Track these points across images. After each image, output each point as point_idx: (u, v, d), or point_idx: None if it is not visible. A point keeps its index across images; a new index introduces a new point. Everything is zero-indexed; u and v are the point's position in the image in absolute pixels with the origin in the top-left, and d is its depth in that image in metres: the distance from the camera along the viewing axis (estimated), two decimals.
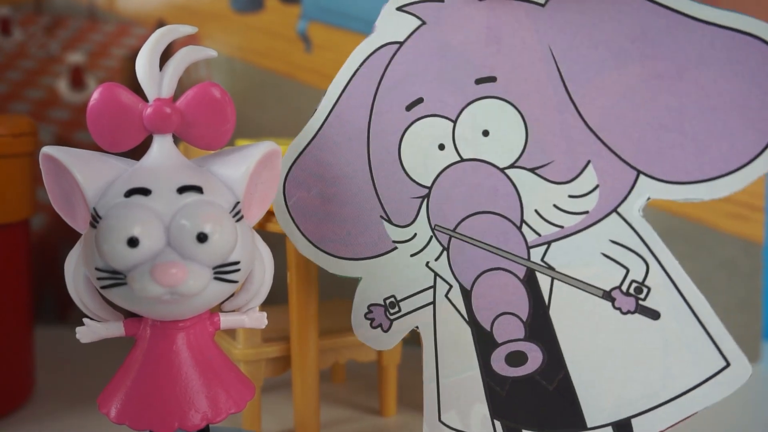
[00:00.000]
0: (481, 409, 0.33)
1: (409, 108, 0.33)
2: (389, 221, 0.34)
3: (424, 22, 0.33)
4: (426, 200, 0.33)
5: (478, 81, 0.32)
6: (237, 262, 0.29)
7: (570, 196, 0.31)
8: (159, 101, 0.30)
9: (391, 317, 0.34)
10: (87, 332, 0.31)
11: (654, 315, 0.30)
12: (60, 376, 0.51)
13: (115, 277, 0.28)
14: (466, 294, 0.33)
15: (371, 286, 0.35)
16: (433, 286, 0.33)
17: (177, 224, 0.28)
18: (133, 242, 0.27)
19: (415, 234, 0.34)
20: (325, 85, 0.57)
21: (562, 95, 0.31)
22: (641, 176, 0.30)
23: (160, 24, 0.60)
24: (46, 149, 0.30)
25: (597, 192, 0.31)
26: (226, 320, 0.32)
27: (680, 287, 0.30)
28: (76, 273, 0.30)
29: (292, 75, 0.55)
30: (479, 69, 0.32)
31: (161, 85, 0.30)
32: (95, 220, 0.29)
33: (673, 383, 0.30)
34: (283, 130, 0.48)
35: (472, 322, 0.33)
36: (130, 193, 0.29)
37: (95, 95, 0.29)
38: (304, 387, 0.39)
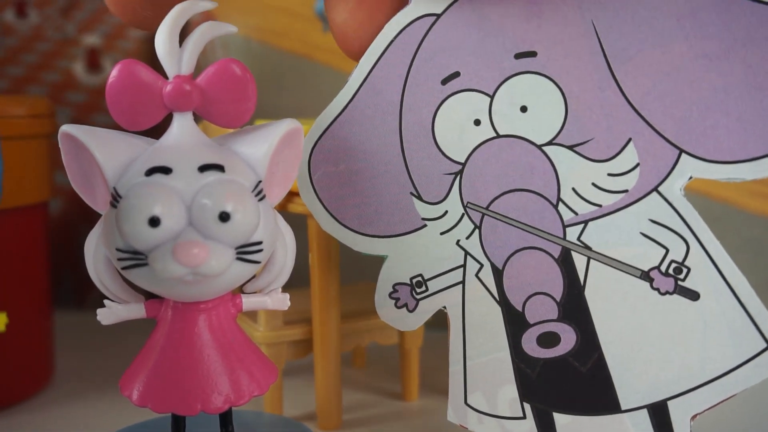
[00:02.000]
0: (510, 391, 0.32)
1: (444, 82, 0.32)
2: (419, 198, 0.33)
3: None
4: (459, 177, 0.32)
5: (518, 56, 0.31)
6: (259, 243, 0.29)
7: (609, 175, 0.31)
8: (179, 78, 0.29)
9: (418, 297, 0.33)
10: (108, 314, 0.31)
11: (693, 296, 0.30)
12: (79, 360, 0.50)
13: (137, 258, 0.28)
14: (498, 273, 0.32)
15: (397, 264, 0.34)
16: (463, 265, 0.33)
17: (198, 203, 0.27)
18: (154, 222, 0.27)
19: (446, 211, 0.33)
20: (342, 65, 0.57)
21: (604, 72, 0.30)
22: (683, 155, 0.30)
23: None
24: (65, 127, 0.29)
25: (637, 170, 0.30)
26: (248, 301, 0.31)
27: (721, 267, 0.30)
28: (96, 254, 0.30)
29: (309, 55, 0.54)
30: (519, 43, 0.31)
31: (181, 61, 0.29)
32: (115, 199, 0.28)
33: (712, 365, 0.30)
34: (300, 111, 0.47)
35: (503, 302, 0.32)
36: (150, 171, 0.28)
37: (114, 72, 0.29)
38: (325, 370, 0.38)
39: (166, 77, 0.29)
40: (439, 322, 0.49)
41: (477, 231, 0.32)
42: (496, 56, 0.32)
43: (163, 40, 0.29)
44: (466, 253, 0.33)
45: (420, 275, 0.33)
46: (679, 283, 0.30)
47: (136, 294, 0.31)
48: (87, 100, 0.62)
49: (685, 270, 0.30)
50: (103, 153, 0.29)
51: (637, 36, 0.30)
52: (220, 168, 0.28)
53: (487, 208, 0.32)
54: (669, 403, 0.30)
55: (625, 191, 0.30)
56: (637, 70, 0.30)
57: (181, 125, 0.30)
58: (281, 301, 0.32)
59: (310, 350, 0.40)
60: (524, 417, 0.32)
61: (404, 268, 0.34)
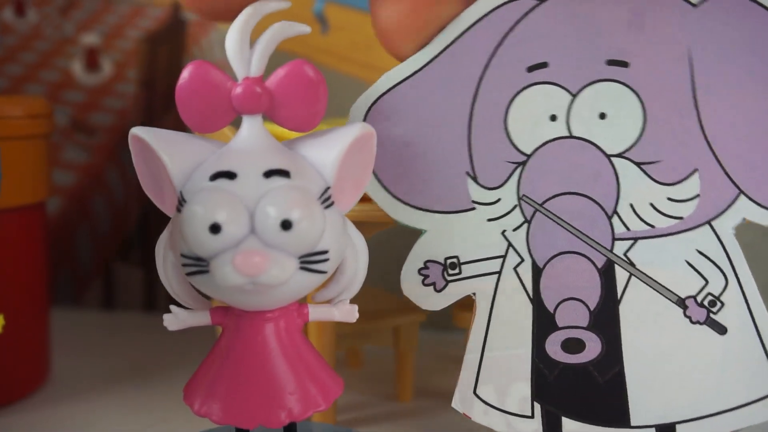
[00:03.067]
0: (523, 388, 0.32)
1: (530, 69, 0.32)
2: (474, 180, 0.32)
3: None
4: (521, 168, 0.32)
5: (610, 62, 0.31)
6: (325, 252, 0.27)
7: (669, 199, 0.31)
8: (248, 80, 0.28)
9: (449, 278, 0.32)
10: (173, 320, 0.29)
11: (721, 330, 0.31)
12: (76, 359, 0.50)
13: (199, 264, 0.27)
14: (537, 271, 0.32)
15: (435, 241, 0.32)
16: (504, 256, 0.32)
17: (262, 210, 0.26)
18: (215, 228, 0.26)
19: (499, 199, 0.32)
20: (341, 66, 0.57)
21: (689, 100, 0.31)
22: (742, 196, 0.31)
23: (175, 5, 0.59)
24: (135, 130, 0.28)
25: (696, 201, 0.31)
26: (315, 312, 0.30)
27: (752, 308, 0.31)
28: (165, 258, 0.29)
29: (308, 56, 0.54)
30: (614, 50, 0.31)
31: (251, 63, 0.28)
32: (180, 204, 0.27)
33: (725, 397, 0.31)
34: None
35: (536, 300, 0.32)
36: (215, 176, 0.27)
37: (184, 74, 0.28)
38: None
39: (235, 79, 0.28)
40: (434, 323, 0.49)
41: (526, 225, 0.32)
42: (588, 57, 0.31)
43: (234, 40, 0.28)
44: (510, 244, 0.32)
45: (456, 257, 0.32)
46: (711, 315, 0.31)
47: (204, 300, 0.30)
48: (85, 99, 0.62)
49: (719, 304, 0.31)
50: (171, 156, 0.28)
51: (731, 74, 0.31)
52: (285, 174, 0.27)
53: (541, 205, 0.32)
54: (678, 426, 0.31)
55: (680, 218, 0.31)
56: (721, 107, 0.31)
57: (250, 128, 0.28)
58: (349, 313, 0.30)
59: None
60: (532, 417, 0.32)
61: (441, 246, 0.32)
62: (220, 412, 0.28)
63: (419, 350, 0.44)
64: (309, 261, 0.27)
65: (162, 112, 0.59)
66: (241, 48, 0.28)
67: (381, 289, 0.46)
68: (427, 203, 0.32)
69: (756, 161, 0.31)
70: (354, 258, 0.30)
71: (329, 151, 0.28)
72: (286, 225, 0.26)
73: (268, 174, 0.27)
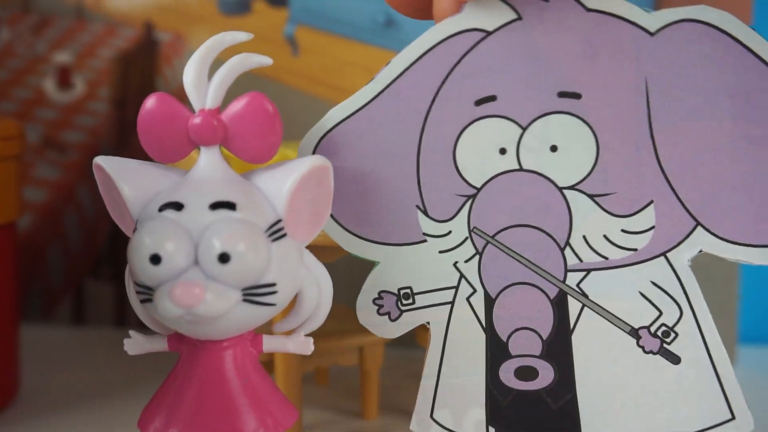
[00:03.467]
0: (478, 413, 0.33)
1: (478, 103, 0.31)
2: (425, 212, 0.32)
3: (520, 17, 0.30)
4: (471, 200, 0.31)
5: (561, 94, 0.30)
6: (272, 284, 0.27)
7: (623, 231, 0.31)
8: (204, 112, 0.28)
9: (403, 308, 0.33)
10: (132, 344, 0.31)
11: (675, 360, 0.31)
12: (46, 375, 0.49)
13: (147, 293, 0.27)
14: (490, 301, 0.32)
15: (388, 273, 0.33)
16: (456, 287, 0.32)
17: (204, 242, 0.26)
18: (155, 259, 0.26)
19: (450, 231, 0.32)
20: (312, 89, 0.57)
21: (644, 131, 0.30)
22: (699, 228, 0.30)
23: (148, 26, 0.58)
24: (98, 159, 0.28)
25: (651, 233, 0.30)
26: (269, 343, 0.30)
27: (707, 339, 0.31)
28: (129, 283, 0.29)
29: (278, 78, 0.53)
30: (565, 82, 0.30)
31: (207, 95, 0.28)
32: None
33: (679, 425, 0.31)
34: None
35: (489, 329, 0.32)
36: (163, 207, 0.27)
37: (145, 105, 0.28)
38: (287, 390, 0.39)
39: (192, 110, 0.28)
40: (399, 341, 0.49)
41: (477, 257, 0.32)
42: (538, 89, 0.30)
43: (192, 72, 0.28)
44: (462, 275, 0.32)
45: (409, 288, 0.33)
46: (665, 345, 0.31)
47: (165, 326, 0.30)
48: (57, 117, 0.62)
49: (673, 335, 0.31)
50: (130, 185, 0.28)
51: (688, 105, 0.29)
52: (231, 206, 0.27)
53: (493, 237, 0.31)
54: None
55: (635, 250, 0.31)
56: (677, 138, 0.30)
57: (206, 159, 0.28)
58: (303, 345, 0.30)
59: (272, 371, 0.40)
60: None
61: (394, 277, 0.33)
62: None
63: (385, 367, 0.45)
64: (253, 293, 0.27)
65: (133, 131, 0.57)
66: (199, 80, 0.28)
67: (346, 307, 0.46)
68: (379, 236, 0.32)
69: (714, 193, 0.30)
70: (313, 290, 0.30)
71: (282, 183, 0.28)
72: (223, 258, 0.26)
73: (214, 206, 0.27)
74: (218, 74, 0.28)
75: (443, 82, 0.31)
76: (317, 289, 0.30)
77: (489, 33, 0.30)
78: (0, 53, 0.62)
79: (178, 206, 0.27)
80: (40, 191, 0.61)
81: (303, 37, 0.55)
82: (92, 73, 0.61)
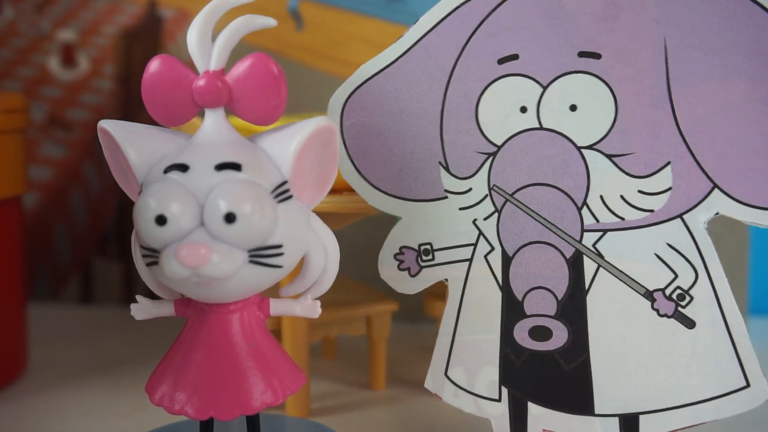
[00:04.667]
0: (491, 373, 0.33)
1: (501, 61, 0.32)
2: (446, 169, 0.33)
3: None
4: (491, 158, 0.32)
5: (581, 54, 0.31)
6: (278, 246, 0.27)
7: (640, 192, 0.31)
8: (208, 74, 0.28)
9: (423, 264, 0.34)
10: (139, 309, 0.31)
11: (689, 324, 0.31)
12: (53, 352, 0.50)
13: (153, 255, 0.27)
14: (507, 260, 0.33)
15: (409, 228, 0.33)
16: (475, 244, 0.33)
17: (210, 203, 0.26)
18: (161, 220, 0.26)
19: (471, 188, 0.33)
20: (316, 63, 0.57)
21: (663, 91, 0.30)
22: (716, 190, 0.30)
23: (151, 2, 0.59)
24: (102, 123, 0.29)
25: (668, 194, 0.31)
26: (276, 306, 0.30)
27: (723, 303, 0.31)
28: (136, 249, 0.29)
29: (282, 53, 0.54)
30: (586, 42, 0.31)
31: (211, 57, 0.28)
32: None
33: (690, 391, 0.31)
34: None
35: (505, 288, 0.33)
36: (168, 169, 0.27)
37: (149, 68, 0.28)
38: (295, 360, 0.38)
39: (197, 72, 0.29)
40: (406, 313, 0.50)
41: (496, 214, 0.32)
42: (559, 49, 0.31)
43: (195, 34, 0.28)
44: (481, 233, 0.33)
45: (429, 244, 0.33)
46: (679, 309, 0.31)
47: (172, 291, 0.30)
48: (62, 94, 0.62)
49: (688, 298, 0.31)
50: (135, 149, 0.28)
51: (706, 64, 0.30)
52: (237, 167, 0.27)
53: (512, 195, 0.32)
54: (641, 417, 0.32)
55: (651, 211, 0.31)
56: (695, 97, 0.30)
57: (211, 121, 0.29)
58: (311, 309, 0.31)
59: (279, 340, 0.40)
60: (499, 400, 0.33)
61: (415, 233, 0.33)
62: (178, 403, 0.29)
63: (392, 341, 0.45)
64: (259, 255, 0.27)
65: (138, 107, 0.60)
66: (202, 42, 0.28)
67: (353, 279, 0.48)
68: (402, 191, 0.33)
69: (731, 154, 0.30)
70: (319, 253, 0.30)
71: (286, 145, 0.28)
72: (229, 218, 0.26)
73: (220, 167, 0.27)
74: (222, 36, 0.28)
75: (468, 41, 0.32)
76: (324, 253, 0.30)
77: None
78: (4, 32, 0.62)
79: (183, 168, 0.27)
80: (46, 170, 0.62)
81: (307, 10, 0.55)
82: (96, 51, 0.61)
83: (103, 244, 0.62)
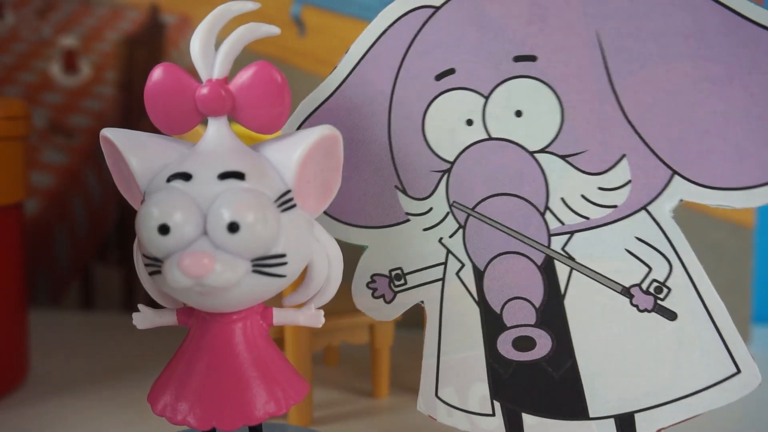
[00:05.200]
0: (481, 388, 0.33)
1: (438, 78, 0.31)
2: (404, 192, 0.32)
3: None
4: (446, 175, 0.32)
5: (517, 58, 0.30)
6: (282, 255, 0.27)
7: (600, 189, 0.30)
8: (211, 82, 0.28)
9: (396, 289, 0.33)
10: (141, 318, 0.30)
11: (671, 315, 0.30)
12: (54, 359, 0.50)
13: (156, 264, 0.27)
14: (479, 274, 0.32)
15: (377, 255, 0.33)
16: (444, 263, 0.32)
17: (213, 212, 0.26)
18: (164, 230, 0.26)
19: (431, 208, 0.32)
20: (318, 69, 0.57)
21: (605, 84, 0.29)
22: (676, 177, 0.29)
23: (154, 8, 0.59)
24: (105, 131, 0.28)
25: (628, 187, 0.30)
26: (279, 316, 0.30)
27: (701, 291, 0.30)
28: (138, 257, 0.29)
29: (285, 59, 0.54)
30: (519, 46, 0.30)
31: (215, 65, 0.28)
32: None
33: (682, 383, 0.30)
34: None
35: (482, 302, 0.32)
36: (171, 177, 0.27)
37: (152, 76, 0.28)
38: (297, 367, 0.39)
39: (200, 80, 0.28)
40: (409, 321, 0.50)
41: (461, 231, 0.32)
42: (494, 57, 0.30)
43: (199, 42, 0.28)
44: (448, 251, 0.32)
45: (399, 268, 0.33)
46: (659, 302, 0.30)
47: (174, 299, 0.30)
48: (63, 101, 0.61)
49: (665, 290, 0.30)
50: (137, 157, 0.28)
51: (642, 51, 0.29)
52: (240, 176, 0.27)
53: (473, 209, 0.32)
54: (636, 415, 0.31)
55: (614, 206, 0.30)
56: (638, 86, 0.29)
57: (214, 130, 0.28)
58: (314, 318, 0.30)
59: (282, 348, 0.40)
60: (493, 414, 0.33)
61: (384, 259, 0.33)
62: (180, 414, 0.29)
63: (395, 348, 0.45)
64: (262, 264, 0.27)
65: (140, 114, 0.59)
66: (206, 50, 0.28)
67: None
68: (364, 220, 0.33)
69: (685, 138, 0.29)
70: (323, 263, 0.30)
71: (290, 153, 0.28)
72: (233, 227, 0.26)
73: (223, 176, 0.27)
74: (225, 44, 0.28)
75: (402, 62, 0.31)
76: (327, 262, 0.30)
77: (437, 8, 0.31)
78: (5, 38, 0.62)
79: (186, 176, 0.27)
80: (47, 176, 0.61)
81: (310, 17, 0.55)
82: (98, 57, 0.60)
83: (104, 250, 0.62)
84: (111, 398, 0.44)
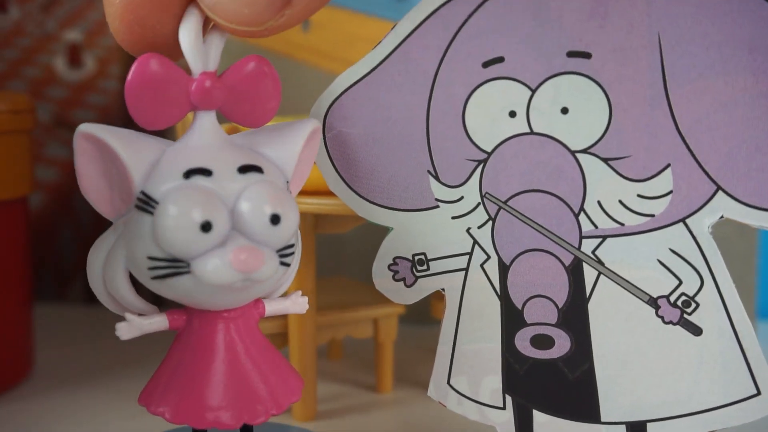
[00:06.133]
0: (494, 381, 0.32)
1: (486, 65, 0.30)
2: (436, 178, 0.31)
3: None
4: (482, 165, 0.31)
5: (571, 54, 0.29)
6: (292, 245, 0.28)
7: (639, 196, 0.29)
8: (205, 75, 0.27)
9: (418, 274, 0.33)
10: (129, 328, 0.29)
11: (696, 331, 0.30)
12: (59, 353, 0.50)
13: (175, 266, 0.26)
14: (504, 268, 0.31)
15: (402, 239, 0.32)
16: (470, 253, 0.32)
17: (244, 206, 0.26)
18: (206, 227, 0.25)
19: (462, 197, 0.31)
20: (322, 64, 0.56)
21: (659, 90, 0.28)
22: (720, 192, 0.29)
23: None
24: (84, 127, 0.26)
25: (669, 198, 0.29)
26: (270, 307, 0.30)
27: (730, 310, 0.29)
28: (110, 264, 0.28)
29: (289, 54, 0.52)
30: (575, 41, 0.29)
31: (207, 57, 0.27)
32: (148, 204, 0.26)
33: (699, 398, 0.30)
34: (282, 109, 0.47)
35: (504, 297, 0.32)
36: (189, 173, 0.26)
37: (136, 68, 0.26)
38: (301, 363, 0.39)
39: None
40: (413, 316, 0.49)
41: (490, 223, 0.31)
42: (547, 50, 0.29)
43: (188, 35, 0.27)
44: (475, 242, 0.32)
45: (423, 254, 0.32)
46: (685, 316, 0.30)
47: (152, 305, 0.29)
48: (68, 95, 0.61)
49: (693, 305, 0.30)
50: (128, 153, 0.26)
51: (703, 59, 0.28)
52: (259, 169, 0.27)
53: (505, 203, 0.31)
54: (648, 424, 0.31)
55: (652, 216, 0.29)
56: (693, 95, 0.28)
57: (205, 124, 0.28)
58: (301, 305, 0.31)
59: (286, 343, 0.40)
60: (504, 408, 0.32)
61: (408, 243, 0.32)
62: (198, 417, 0.28)
63: (399, 343, 0.45)
64: (284, 254, 0.27)
65: None
66: (196, 42, 0.27)
67: (360, 281, 0.47)
68: (391, 202, 0.32)
69: (735, 153, 0.28)
70: (299, 251, 0.30)
71: (286, 148, 0.28)
72: (275, 219, 0.26)
73: (243, 170, 0.27)
74: (215, 36, 0.28)
75: (450, 44, 0.30)
76: (299, 249, 0.30)
77: None
78: (9, 32, 0.62)
79: (205, 172, 0.26)
80: (52, 170, 0.62)
81: None
82: (102, 51, 0.60)
83: None
84: (116, 391, 0.44)
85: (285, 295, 0.31)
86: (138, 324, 0.29)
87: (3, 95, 0.43)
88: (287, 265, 0.28)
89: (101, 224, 0.61)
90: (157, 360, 0.47)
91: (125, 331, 0.29)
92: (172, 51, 0.28)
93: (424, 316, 0.50)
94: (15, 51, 0.61)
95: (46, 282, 0.63)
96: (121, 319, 0.29)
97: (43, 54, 0.61)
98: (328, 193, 0.34)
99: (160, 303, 0.31)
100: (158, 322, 0.29)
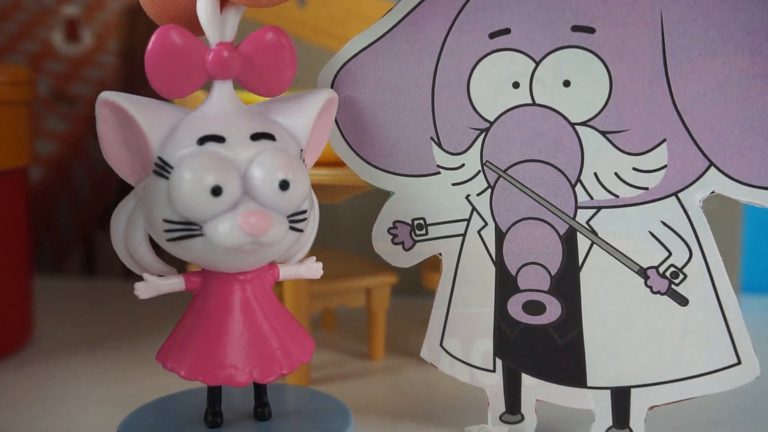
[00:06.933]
0: (485, 344, 0.33)
1: (492, 36, 0.31)
2: (439, 145, 0.32)
3: None
4: (484, 134, 0.32)
5: (575, 28, 0.30)
6: (305, 211, 0.29)
7: (634, 169, 0.30)
8: (222, 45, 0.28)
9: (416, 238, 0.33)
10: (147, 288, 0.29)
11: (682, 301, 0.31)
12: (57, 324, 0.50)
13: (189, 229, 0.27)
14: (500, 235, 0.32)
15: (402, 203, 0.33)
16: (468, 219, 0.33)
17: (255, 172, 0.27)
18: (216, 191, 0.26)
19: (463, 164, 0.32)
20: (319, 40, 0.56)
21: (659, 67, 0.29)
22: (712, 168, 0.30)
23: None
24: (105, 94, 0.28)
25: (663, 172, 0.30)
26: (284, 271, 0.31)
27: (716, 281, 0.30)
28: (131, 227, 0.29)
29: (285, 29, 0.50)
30: (579, 16, 0.30)
31: (225, 28, 0.28)
32: (163, 169, 0.27)
33: (681, 366, 0.31)
34: None
35: (499, 263, 0.33)
36: (203, 140, 0.27)
37: (155, 38, 0.27)
38: None
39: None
40: (404, 287, 0.50)
41: (489, 190, 0.32)
42: (552, 23, 0.30)
43: (206, 6, 0.28)
44: (474, 208, 0.32)
45: (422, 219, 0.33)
46: (673, 286, 0.31)
47: (172, 267, 0.30)
48: (66, 69, 0.61)
49: (681, 276, 0.31)
50: (147, 120, 0.27)
51: (703, 39, 0.29)
52: (271, 137, 0.28)
53: (505, 171, 0.32)
54: (633, 390, 0.32)
55: (646, 189, 0.30)
56: (692, 73, 0.29)
57: (222, 93, 0.29)
58: (315, 270, 0.32)
59: None
60: (494, 370, 0.33)
61: (408, 208, 0.33)
62: (212, 373, 0.29)
63: (391, 314, 0.45)
64: (295, 220, 0.28)
65: (142, 82, 0.56)
66: (213, 13, 0.28)
67: (353, 252, 0.48)
68: (394, 167, 0.33)
69: (729, 131, 0.29)
70: (314, 218, 0.31)
71: (302, 116, 0.29)
72: (284, 185, 0.27)
73: (256, 137, 0.28)
74: (232, 7, 0.28)
75: (458, 14, 0.31)
76: (315, 216, 0.31)
77: None
78: (8, 6, 0.62)
79: (219, 139, 0.27)
80: (49, 144, 0.62)
81: None
82: (100, 26, 0.60)
83: (106, 217, 0.62)
84: (112, 359, 0.45)
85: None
86: (155, 284, 0.29)
87: (2, 67, 0.44)
88: (299, 230, 0.29)
89: (99, 197, 0.62)
90: (155, 330, 0.48)
91: (143, 290, 0.29)
92: (195, 24, 0.29)
93: (416, 286, 0.51)
94: (13, 25, 0.62)
95: (45, 255, 0.63)
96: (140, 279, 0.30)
97: (41, 28, 0.61)
98: (319, 164, 0.35)
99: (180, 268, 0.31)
100: (175, 283, 0.30)
